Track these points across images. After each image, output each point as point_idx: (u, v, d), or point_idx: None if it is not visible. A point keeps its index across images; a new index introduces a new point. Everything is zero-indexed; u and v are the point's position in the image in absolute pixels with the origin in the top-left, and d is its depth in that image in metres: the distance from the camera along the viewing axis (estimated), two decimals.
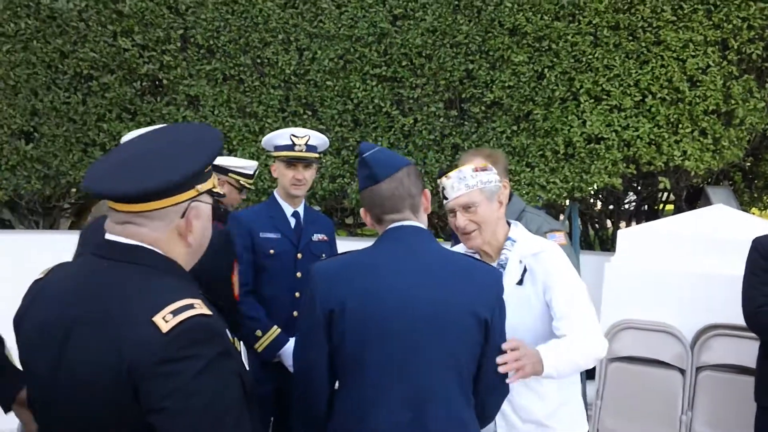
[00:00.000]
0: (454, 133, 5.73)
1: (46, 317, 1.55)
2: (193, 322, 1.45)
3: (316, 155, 3.65)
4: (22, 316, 1.65)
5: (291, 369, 3.53)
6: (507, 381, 2.18)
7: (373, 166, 2.19)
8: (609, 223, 6.91)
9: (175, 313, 1.44)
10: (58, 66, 6.12)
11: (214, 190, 1.70)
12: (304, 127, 5.81)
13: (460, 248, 2.88)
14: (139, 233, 1.57)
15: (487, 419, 2.30)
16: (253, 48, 5.96)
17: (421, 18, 5.71)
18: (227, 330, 1.62)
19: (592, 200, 6.71)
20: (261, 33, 5.93)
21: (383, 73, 5.79)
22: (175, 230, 1.61)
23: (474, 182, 2.58)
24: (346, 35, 5.80)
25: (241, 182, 4.37)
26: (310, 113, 5.97)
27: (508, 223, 2.74)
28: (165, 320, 1.43)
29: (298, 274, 3.63)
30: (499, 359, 2.15)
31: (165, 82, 6.11)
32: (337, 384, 2.17)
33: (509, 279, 2.55)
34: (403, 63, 5.75)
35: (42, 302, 1.61)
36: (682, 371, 4.52)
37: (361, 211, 2.27)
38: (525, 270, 2.59)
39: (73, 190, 6.85)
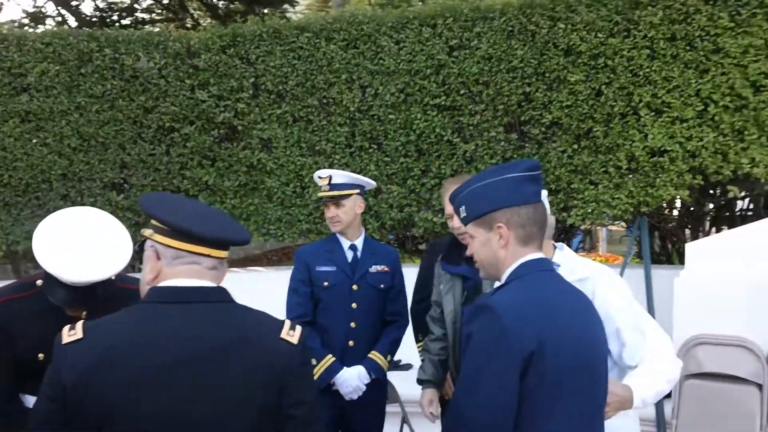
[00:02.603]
0: (515, 156, 5.83)
1: (162, 358, 1.74)
2: (302, 334, 1.91)
3: (345, 192, 3.77)
4: (96, 370, 1.73)
5: (346, 397, 3.71)
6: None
7: (541, 184, 2.12)
8: (689, 234, 6.79)
9: (291, 328, 1.89)
10: (142, 121, 6.59)
11: None
12: (369, 160, 6.06)
13: None
14: (218, 276, 1.91)
15: None
16: (319, 89, 6.26)
17: (477, 46, 5.86)
18: None
19: (667, 212, 6.61)
20: (326, 75, 6.22)
21: (443, 103, 5.96)
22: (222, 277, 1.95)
23: None
24: (405, 69, 6.02)
25: None
26: (375, 146, 6.20)
27: (555, 247, 2.77)
28: (290, 335, 1.87)
29: (354, 305, 3.76)
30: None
31: (240, 128, 6.48)
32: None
33: None
34: (462, 91, 5.91)
35: (137, 350, 1.75)
36: (760, 386, 4.37)
37: (503, 229, 2.06)
38: None
39: None
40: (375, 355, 3.75)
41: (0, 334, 2.65)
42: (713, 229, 6.70)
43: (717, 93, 5.35)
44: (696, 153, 5.39)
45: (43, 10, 14.77)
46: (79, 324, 1.81)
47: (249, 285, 5.62)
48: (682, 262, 6.56)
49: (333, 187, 3.76)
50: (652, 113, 5.49)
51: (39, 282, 2.76)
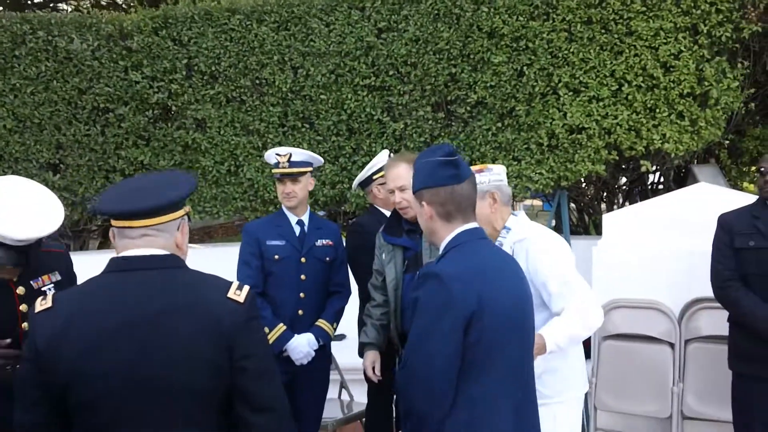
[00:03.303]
0: (442, 134, 6.07)
1: (115, 321, 1.93)
2: (249, 293, 2.02)
3: (303, 170, 3.94)
4: (62, 335, 1.93)
5: (297, 362, 3.91)
6: None
7: (461, 166, 2.34)
8: (604, 207, 7.14)
9: (238, 288, 2.01)
10: (77, 102, 6.63)
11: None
12: (302, 139, 6.23)
13: None
14: (156, 243, 2.01)
15: None
16: (252, 70, 6.40)
17: (404, 29, 6.07)
18: None
19: (585, 186, 6.96)
20: (258, 56, 6.36)
21: (372, 84, 6.17)
22: (174, 242, 2.06)
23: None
24: (336, 51, 6.20)
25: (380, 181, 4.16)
26: (307, 126, 6.38)
27: (513, 213, 3.14)
28: (237, 294, 1.99)
29: (303, 277, 3.94)
30: None
31: (174, 108, 6.59)
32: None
33: None
34: (390, 72, 6.12)
35: (94, 315, 1.95)
36: (672, 345, 4.63)
37: (426, 207, 2.33)
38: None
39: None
40: (322, 323, 3.96)
41: None
42: (627, 202, 7.07)
43: (630, 73, 5.67)
44: (611, 130, 5.71)
45: None
46: (50, 294, 2.05)
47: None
48: (599, 232, 6.93)
49: (292, 164, 3.94)
50: (571, 93, 5.78)
51: None
